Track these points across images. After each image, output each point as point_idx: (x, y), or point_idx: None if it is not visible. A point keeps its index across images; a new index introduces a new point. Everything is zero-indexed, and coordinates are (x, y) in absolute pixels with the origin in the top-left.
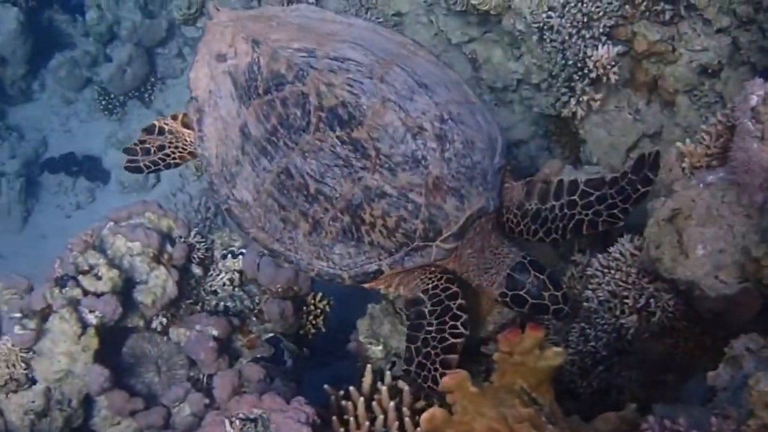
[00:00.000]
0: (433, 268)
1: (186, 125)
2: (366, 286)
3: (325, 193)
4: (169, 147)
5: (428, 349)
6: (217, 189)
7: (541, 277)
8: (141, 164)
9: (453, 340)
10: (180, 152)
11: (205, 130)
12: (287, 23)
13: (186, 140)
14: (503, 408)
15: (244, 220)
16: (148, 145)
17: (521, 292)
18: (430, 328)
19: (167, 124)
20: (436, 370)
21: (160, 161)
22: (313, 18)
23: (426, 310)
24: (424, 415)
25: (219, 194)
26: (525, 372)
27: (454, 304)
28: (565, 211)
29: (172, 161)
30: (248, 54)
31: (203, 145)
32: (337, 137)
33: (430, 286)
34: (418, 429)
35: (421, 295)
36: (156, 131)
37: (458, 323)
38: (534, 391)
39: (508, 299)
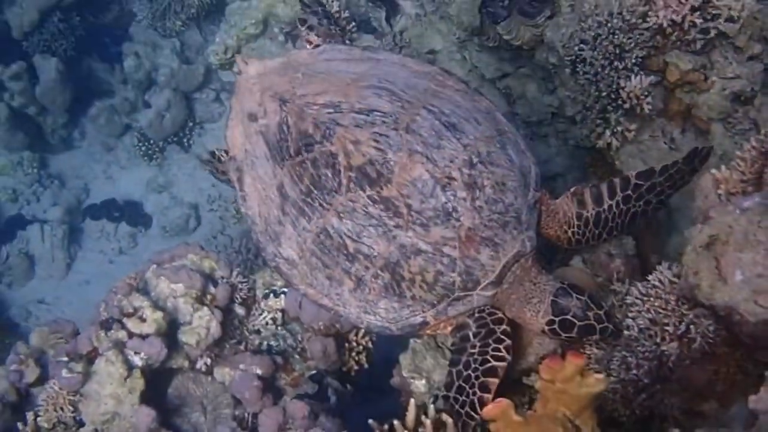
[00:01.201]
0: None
1: None
2: (420, 333)
3: (363, 252)
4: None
5: (469, 371)
6: (264, 247)
7: (583, 298)
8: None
9: (494, 363)
10: None
11: (247, 190)
12: (313, 72)
13: None
14: None
15: (293, 276)
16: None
17: (568, 316)
18: (473, 351)
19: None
20: (474, 394)
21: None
22: (339, 58)
23: (470, 333)
24: None
25: (267, 252)
26: (567, 399)
27: (499, 328)
28: (622, 207)
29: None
30: (277, 113)
31: (246, 204)
32: (368, 197)
33: (477, 314)
34: None
35: (467, 319)
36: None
37: (501, 347)
38: (577, 418)
39: (556, 326)
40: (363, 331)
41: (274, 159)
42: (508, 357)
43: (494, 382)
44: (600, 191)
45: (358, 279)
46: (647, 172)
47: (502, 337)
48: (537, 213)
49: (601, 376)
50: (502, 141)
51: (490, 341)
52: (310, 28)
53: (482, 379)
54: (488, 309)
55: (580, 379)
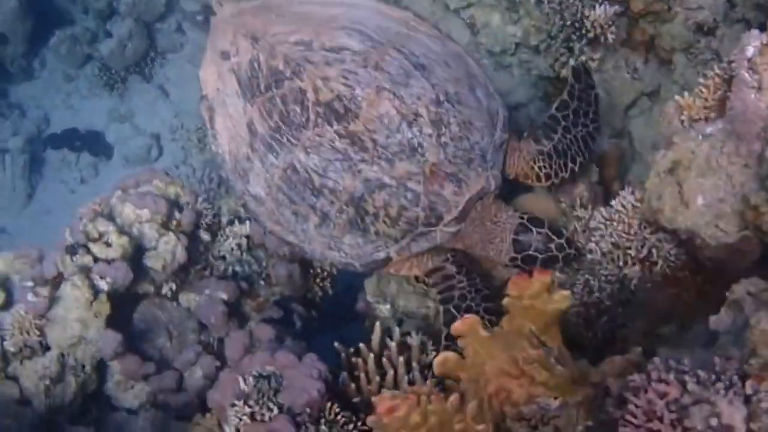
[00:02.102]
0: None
1: None
2: (384, 271)
3: (329, 186)
4: None
5: (468, 303)
6: (233, 185)
7: (543, 230)
8: None
9: (488, 292)
10: None
11: (217, 128)
12: (288, 13)
13: None
14: (514, 351)
15: (260, 214)
16: None
17: (530, 252)
18: (461, 285)
19: None
20: (483, 318)
21: None
22: (314, 2)
23: (452, 271)
24: (437, 359)
25: (235, 189)
26: (534, 315)
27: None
28: (568, 136)
29: None
30: (248, 51)
31: (216, 143)
32: (336, 132)
33: (447, 255)
34: (427, 382)
35: (441, 262)
36: None
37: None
38: (543, 334)
39: (519, 262)
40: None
41: (244, 96)
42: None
43: (494, 308)
44: (545, 130)
45: (323, 214)
46: (560, 102)
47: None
48: (503, 154)
49: (566, 292)
50: (471, 83)
51: (475, 275)
52: None
53: (484, 305)
54: (457, 254)
55: (546, 295)
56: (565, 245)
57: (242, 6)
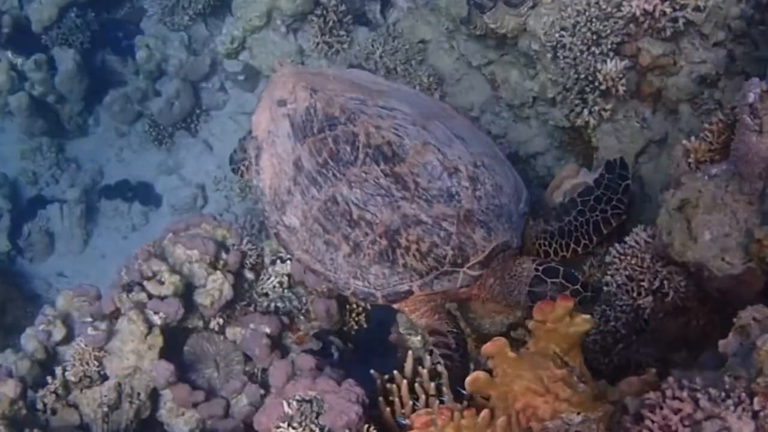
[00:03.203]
0: (451, 317)
1: None
2: (396, 306)
3: (366, 218)
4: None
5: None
6: (269, 215)
7: (558, 280)
8: (237, 157)
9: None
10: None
11: (262, 165)
12: (343, 79)
13: None
14: (539, 370)
15: (290, 243)
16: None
17: None
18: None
19: None
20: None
21: (240, 162)
22: (365, 79)
23: (452, 345)
24: (468, 378)
25: (270, 220)
26: (557, 338)
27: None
28: (580, 219)
29: (242, 167)
30: (306, 99)
31: (259, 177)
32: (381, 171)
33: (452, 327)
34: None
35: (446, 329)
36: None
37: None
38: (566, 355)
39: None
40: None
41: (295, 136)
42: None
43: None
44: (558, 212)
45: (355, 244)
46: (586, 189)
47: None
48: (523, 224)
49: (587, 316)
50: (501, 163)
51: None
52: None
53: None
54: (455, 333)
55: (568, 319)
56: (580, 289)
57: (301, 67)
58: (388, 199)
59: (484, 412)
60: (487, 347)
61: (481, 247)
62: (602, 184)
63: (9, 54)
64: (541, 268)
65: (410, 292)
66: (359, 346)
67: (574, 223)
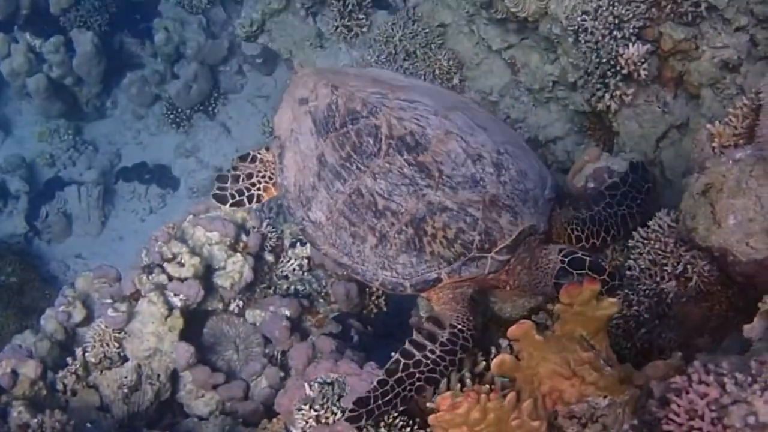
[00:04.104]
0: (470, 315)
1: None
2: (424, 295)
3: (391, 208)
4: (257, 176)
5: (414, 371)
6: (294, 212)
7: (584, 272)
8: (227, 192)
9: (438, 377)
10: (266, 182)
11: (285, 162)
12: (364, 76)
13: (273, 170)
14: (565, 353)
15: (317, 237)
16: (238, 173)
17: None
18: (429, 355)
19: (260, 154)
20: (409, 391)
21: (245, 190)
22: (385, 76)
23: (439, 337)
24: (495, 361)
25: (295, 216)
26: (584, 321)
27: (463, 351)
28: (609, 210)
29: (256, 191)
30: (328, 96)
31: (283, 175)
32: (405, 160)
33: (458, 324)
34: (475, 386)
35: (445, 321)
36: (249, 159)
37: (451, 368)
38: (592, 339)
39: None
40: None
41: (318, 133)
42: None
43: (429, 389)
44: (588, 202)
45: (381, 235)
46: (611, 184)
47: (458, 361)
48: (549, 209)
49: (614, 300)
50: (525, 151)
51: (448, 359)
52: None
53: (421, 383)
54: (466, 332)
55: (595, 303)
56: (608, 279)
57: (321, 68)
58: (413, 188)
59: (511, 395)
60: (513, 330)
61: (508, 231)
62: (627, 182)
63: (27, 36)
64: (567, 259)
65: (439, 280)
66: (379, 329)
67: (604, 214)
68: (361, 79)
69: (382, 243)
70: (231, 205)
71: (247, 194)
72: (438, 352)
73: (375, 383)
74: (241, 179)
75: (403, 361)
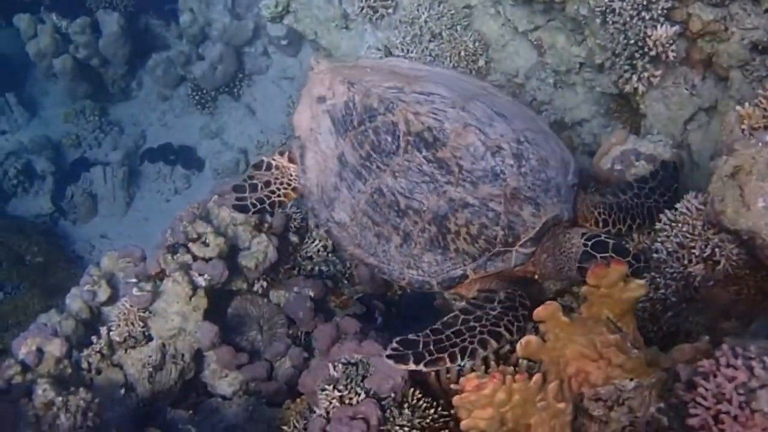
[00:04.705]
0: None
1: (292, 160)
2: (452, 292)
3: (414, 207)
4: (275, 183)
5: (475, 324)
6: (318, 213)
7: (607, 254)
8: (248, 202)
9: (503, 331)
10: (285, 188)
11: (307, 163)
12: (381, 69)
13: (291, 175)
14: (592, 335)
15: (342, 239)
16: (255, 181)
17: None
18: (491, 311)
19: (275, 160)
20: (471, 343)
21: (265, 198)
22: (402, 66)
23: (497, 297)
24: (521, 341)
25: (320, 218)
26: (611, 303)
27: (523, 310)
28: (636, 201)
29: (276, 198)
30: (344, 93)
31: (305, 176)
32: (424, 157)
33: (510, 288)
34: (500, 367)
35: (499, 286)
36: (264, 167)
37: (515, 324)
38: (619, 321)
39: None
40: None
41: (337, 132)
42: (515, 337)
43: (493, 344)
44: (615, 189)
45: (405, 234)
46: (641, 178)
47: (521, 317)
48: (574, 195)
49: (641, 282)
50: (546, 136)
51: (510, 314)
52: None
53: (484, 336)
54: (520, 292)
55: (622, 285)
56: (632, 261)
57: (337, 63)
58: (433, 186)
59: (536, 377)
60: (539, 311)
61: (531, 224)
62: (657, 178)
63: (53, 17)
64: (590, 243)
65: (465, 276)
66: (403, 311)
67: (631, 203)
68: (378, 72)
69: (406, 242)
70: (253, 213)
71: (268, 202)
72: (499, 309)
73: (426, 331)
74: (259, 188)
75: (462, 316)
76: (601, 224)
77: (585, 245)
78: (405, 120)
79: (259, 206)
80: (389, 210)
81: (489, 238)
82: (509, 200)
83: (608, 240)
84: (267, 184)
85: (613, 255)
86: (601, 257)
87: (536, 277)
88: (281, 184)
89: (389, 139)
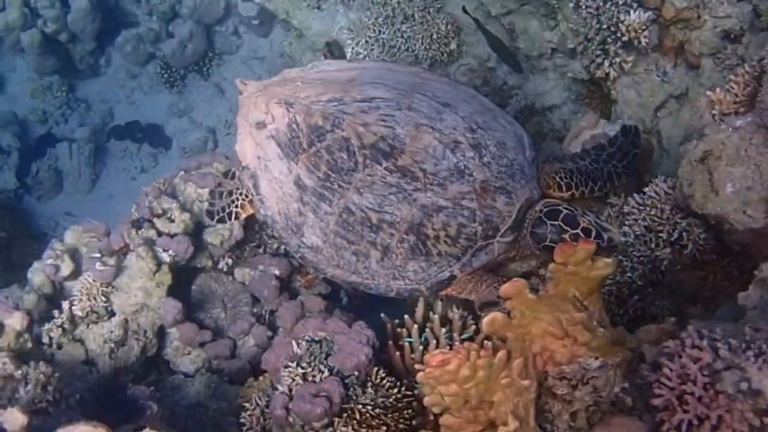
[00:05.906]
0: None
1: None
2: (443, 293)
3: (387, 220)
4: (235, 193)
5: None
6: (287, 242)
7: (556, 222)
8: (214, 209)
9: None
10: (242, 200)
11: (263, 192)
12: (310, 80)
13: (250, 187)
14: (558, 313)
15: (319, 262)
16: (222, 189)
17: (547, 243)
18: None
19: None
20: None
21: (226, 207)
22: (331, 70)
23: None
24: (486, 319)
25: (290, 245)
26: (578, 281)
27: None
28: (595, 165)
29: (234, 209)
30: (284, 116)
31: (264, 206)
32: (385, 168)
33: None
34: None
35: (494, 295)
36: (230, 175)
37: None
38: (585, 299)
39: (541, 251)
40: None
41: (287, 156)
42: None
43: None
44: (573, 157)
45: (384, 248)
46: (599, 145)
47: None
48: (536, 168)
49: (609, 260)
50: (493, 114)
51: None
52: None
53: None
54: None
55: (590, 263)
56: (581, 234)
57: (265, 82)
58: (402, 195)
59: (501, 353)
60: (506, 288)
61: (507, 213)
62: (615, 144)
63: None
64: (545, 209)
65: (453, 277)
66: (366, 295)
67: (590, 167)
68: (310, 84)
69: (387, 255)
70: (216, 221)
71: (227, 211)
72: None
73: None
74: (224, 195)
75: None
76: (564, 188)
77: (540, 211)
78: (356, 133)
79: (218, 216)
80: (362, 227)
81: (469, 235)
82: (480, 195)
83: (562, 210)
84: (229, 193)
85: (562, 224)
86: (551, 224)
87: (517, 257)
88: (240, 194)
89: (344, 156)
